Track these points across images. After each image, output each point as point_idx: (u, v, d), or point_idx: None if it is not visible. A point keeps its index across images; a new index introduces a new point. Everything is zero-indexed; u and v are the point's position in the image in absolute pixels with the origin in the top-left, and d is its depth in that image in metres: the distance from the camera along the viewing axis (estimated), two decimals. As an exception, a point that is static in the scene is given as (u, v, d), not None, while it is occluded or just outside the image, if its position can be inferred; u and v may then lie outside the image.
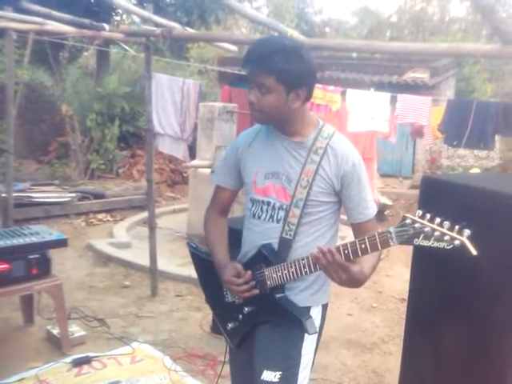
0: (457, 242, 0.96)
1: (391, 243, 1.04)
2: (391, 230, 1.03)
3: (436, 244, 0.98)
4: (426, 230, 0.98)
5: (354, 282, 1.12)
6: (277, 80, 1.14)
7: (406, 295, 1.78)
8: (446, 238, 0.97)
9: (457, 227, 0.96)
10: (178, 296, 3.16)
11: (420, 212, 1.00)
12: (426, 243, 0.99)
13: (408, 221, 1.01)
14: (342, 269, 1.08)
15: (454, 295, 1.55)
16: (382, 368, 2.42)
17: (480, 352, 1.48)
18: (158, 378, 2.19)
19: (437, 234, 0.97)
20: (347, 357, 2.52)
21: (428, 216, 0.99)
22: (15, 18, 3.24)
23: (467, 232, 0.96)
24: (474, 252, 0.96)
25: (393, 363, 2.36)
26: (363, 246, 1.06)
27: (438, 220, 0.98)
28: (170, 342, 2.54)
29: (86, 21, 3.18)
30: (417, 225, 0.99)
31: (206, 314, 2.79)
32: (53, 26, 3.28)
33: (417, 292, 1.71)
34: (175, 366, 2.28)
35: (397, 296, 3.38)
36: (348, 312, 3.08)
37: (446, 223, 0.97)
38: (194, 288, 3.19)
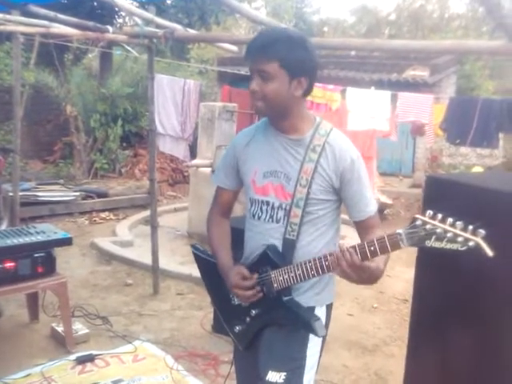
0: (471, 243, 0.91)
1: (402, 245, 0.99)
2: (401, 231, 0.99)
3: (449, 246, 0.92)
4: (438, 231, 0.93)
5: (374, 279, 1.10)
6: (280, 66, 1.12)
7: (407, 296, 1.70)
8: (460, 239, 0.91)
9: (470, 227, 0.91)
10: (178, 294, 3.20)
11: (431, 212, 0.94)
12: (438, 245, 0.94)
13: (418, 222, 0.96)
14: (361, 269, 1.04)
15: (461, 295, 1.48)
16: (385, 370, 2.37)
17: (489, 356, 1.41)
18: (160, 377, 2.20)
19: (449, 235, 0.92)
20: (348, 358, 2.48)
21: (439, 216, 0.94)
22: (22, 21, 3.28)
23: (482, 232, 0.90)
24: (490, 253, 0.90)
25: (395, 366, 2.29)
26: (372, 248, 1.03)
27: (450, 220, 0.92)
28: (171, 340, 2.57)
29: (90, 23, 3.22)
30: (428, 226, 0.94)
31: (207, 313, 2.83)
32: (58, 28, 3.32)
33: (421, 292, 1.64)
34: (177, 365, 2.30)
35: (399, 297, 3.28)
36: (348, 312, 3.05)
37: (459, 223, 0.92)
38: (195, 287, 3.22)
